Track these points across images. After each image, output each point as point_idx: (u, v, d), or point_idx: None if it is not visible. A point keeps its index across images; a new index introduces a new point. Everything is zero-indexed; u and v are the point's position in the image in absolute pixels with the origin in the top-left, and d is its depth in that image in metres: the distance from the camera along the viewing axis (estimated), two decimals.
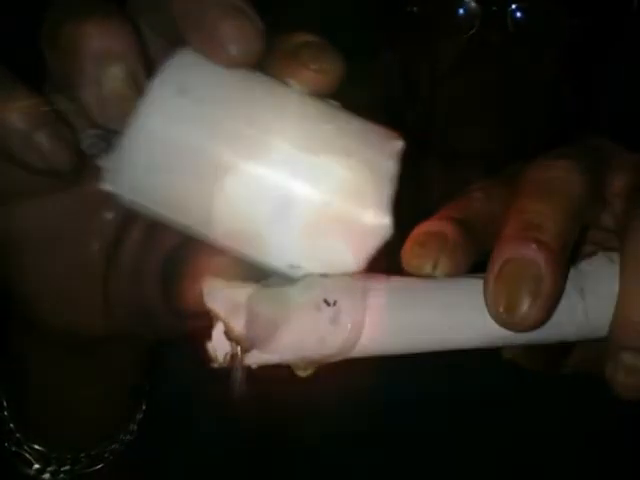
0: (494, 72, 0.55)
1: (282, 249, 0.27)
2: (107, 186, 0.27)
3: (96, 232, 0.32)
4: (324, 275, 0.27)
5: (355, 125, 0.27)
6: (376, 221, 0.26)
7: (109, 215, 0.32)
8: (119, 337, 0.36)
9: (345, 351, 0.26)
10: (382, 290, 0.27)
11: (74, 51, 0.26)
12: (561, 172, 0.28)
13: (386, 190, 0.26)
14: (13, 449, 0.41)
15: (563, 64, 0.56)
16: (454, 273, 0.27)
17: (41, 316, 0.34)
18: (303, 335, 0.26)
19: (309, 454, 0.54)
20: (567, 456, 0.55)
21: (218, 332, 0.26)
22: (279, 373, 0.27)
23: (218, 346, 0.26)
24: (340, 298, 0.26)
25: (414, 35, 0.56)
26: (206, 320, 0.26)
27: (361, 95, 0.29)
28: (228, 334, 0.26)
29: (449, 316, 0.27)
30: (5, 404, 0.41)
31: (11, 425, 0.41)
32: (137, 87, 0.26)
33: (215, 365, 0.26)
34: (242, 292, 0.26)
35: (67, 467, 0.41)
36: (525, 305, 0.25)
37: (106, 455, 0.42)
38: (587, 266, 0.28)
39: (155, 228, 0.33)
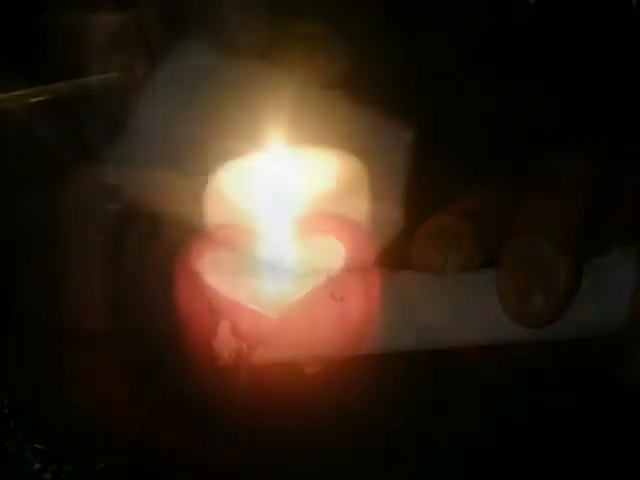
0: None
1: (287, 244, 0.26)
2: (110, 179, 0.27)
3: (99, 226, 0.32)
4: (331, 271, 0.26)
5: (362, 117, 0.27)
6: (385, 215, 0.26)
7: (112, 208, 0.32)
8: (119, 336, 0.36)
9: (352, 348, 0.26)
10: (390, 286, 0.26)
11: None
12: (575, 167, 0.27)
13: (394, 183, 0.26)
14: (14, 448, 0.41)
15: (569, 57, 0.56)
16: (464, 268, 0.27)
17: (41, 315, 0.34)
18: (310, 331, 0.26)
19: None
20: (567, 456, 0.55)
21: (223, 329, 0.26)
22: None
23: (223, 343, 0.26)
24: (348, 294, 0.26)
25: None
26: (211, 317, 0.26)
27: (372, 84, 0.29)
28: (234, 331, 0.25)
29: (459, 312, 0.26)
30: (5, 403, 0.41)
31: (12, 424, 0.41)
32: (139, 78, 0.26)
33: (220, 362, 0.26)
34: (247, 289, 0.26)
35: (68, 466, 0.41)
36: (539, 300, 0.24)
37: (107, 454, 0.42)
38: (601, 261, 0.27)
39: (158, 223, 0.33)
